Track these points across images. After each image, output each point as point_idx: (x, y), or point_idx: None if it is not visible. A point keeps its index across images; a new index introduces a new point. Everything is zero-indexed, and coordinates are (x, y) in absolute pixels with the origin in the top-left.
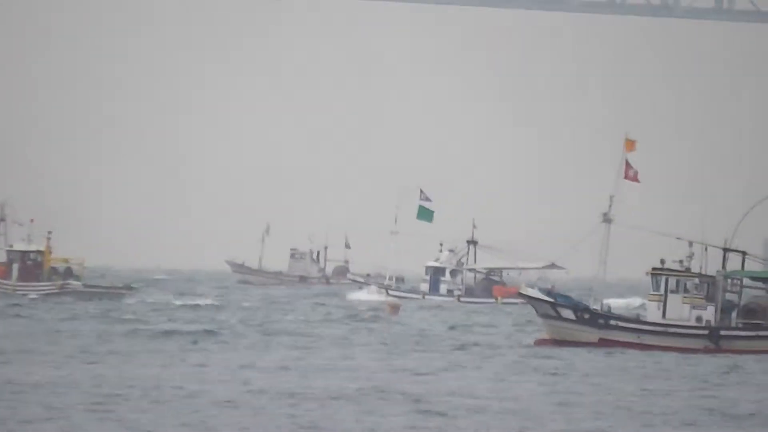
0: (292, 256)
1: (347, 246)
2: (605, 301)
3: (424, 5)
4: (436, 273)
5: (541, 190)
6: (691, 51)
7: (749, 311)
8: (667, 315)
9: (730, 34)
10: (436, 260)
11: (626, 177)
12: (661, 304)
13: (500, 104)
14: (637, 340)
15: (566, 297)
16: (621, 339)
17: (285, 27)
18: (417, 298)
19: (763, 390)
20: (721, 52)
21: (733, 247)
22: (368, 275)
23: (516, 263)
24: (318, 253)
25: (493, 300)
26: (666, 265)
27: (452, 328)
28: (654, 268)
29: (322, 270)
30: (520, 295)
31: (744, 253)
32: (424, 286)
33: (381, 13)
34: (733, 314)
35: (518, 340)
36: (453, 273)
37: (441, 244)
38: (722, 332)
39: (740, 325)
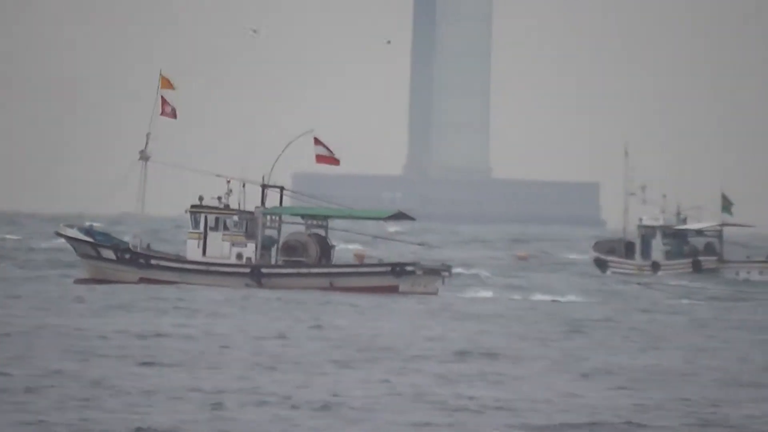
0: None
1: None
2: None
3: None
4: None
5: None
6: None
7: (290, 248)
8: (208, 253)
9: None
10: None
11: (163, 114)
12: (201, 242)
13: None
14: (179, 279)
15: (105, 235)
16: (162, 278)
17: None
18: None
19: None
20: None
21: (271, 183)
22: None
23: None
24: None
25: None
26: (205, 203)
27: None
28: (193, 206)
29: None
30: (59, 234)
31: (282, 189)
32: None
33: None
34: (274, 251)
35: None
36: None
37: None
38: (264, 270)
39: (281, 263)
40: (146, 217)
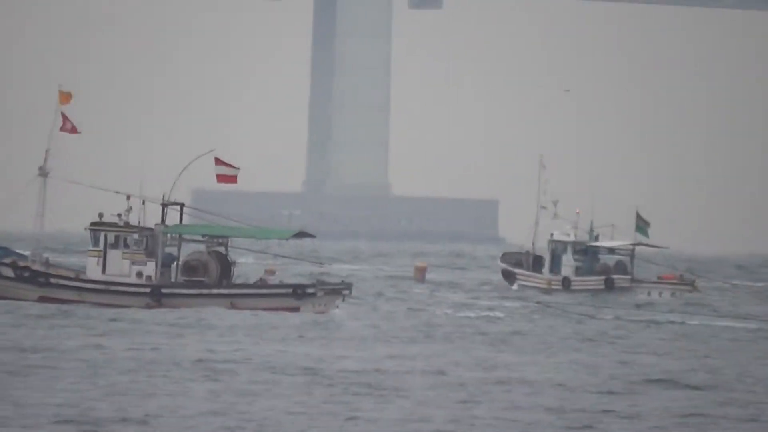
0: None
1: None
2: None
3: None
4: None
5: None
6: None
7: (190, 267)
8: (108, 271)
9: None
10: None
11: (63, 129)
12: (101, 260)
13: None
14: (78, 298)
15: (4, 249)
16: (62, 297)
17: None
18: None
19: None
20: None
21: (171, 200)
22: None
23: None
24: None
25: None
26: (104, 220)
27: None
28: (92, 223)
29: None
30: None
31: (182, 206)
32: None
33: None
34: (174, 269)
35: None
36: None
37: None
38: (164, 290)
39: (183, 282)
40: (61, 233)
